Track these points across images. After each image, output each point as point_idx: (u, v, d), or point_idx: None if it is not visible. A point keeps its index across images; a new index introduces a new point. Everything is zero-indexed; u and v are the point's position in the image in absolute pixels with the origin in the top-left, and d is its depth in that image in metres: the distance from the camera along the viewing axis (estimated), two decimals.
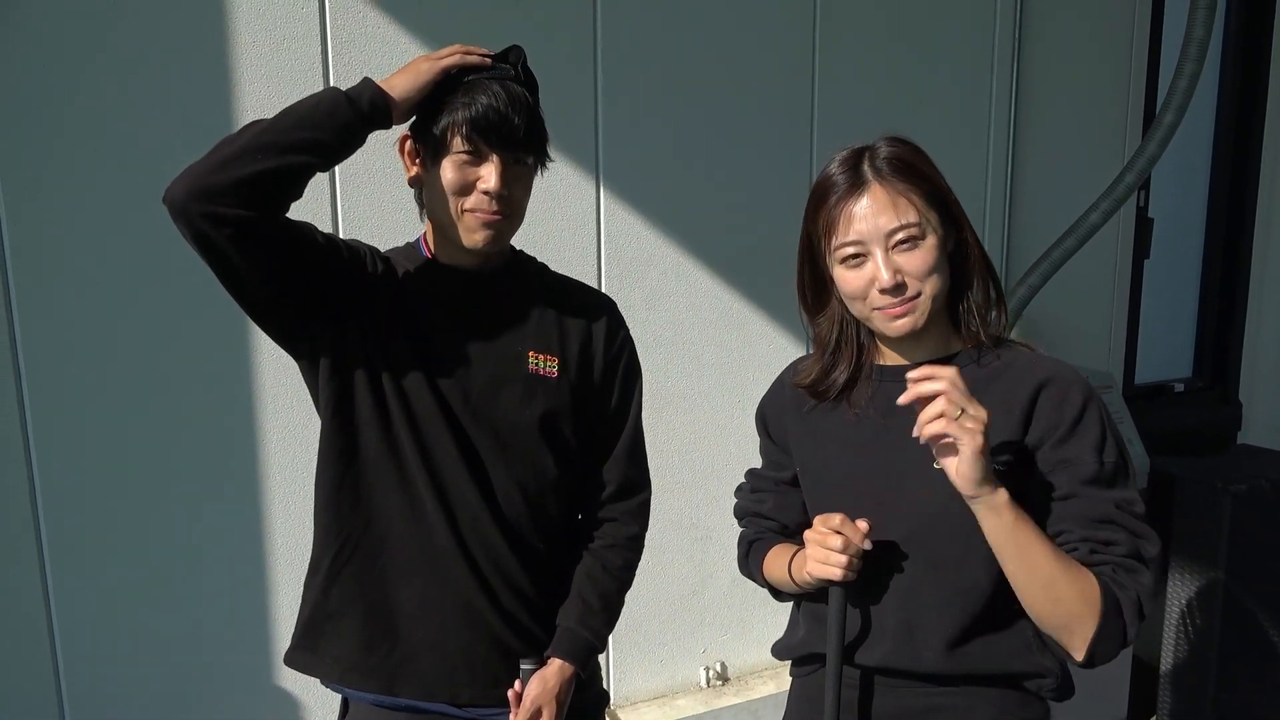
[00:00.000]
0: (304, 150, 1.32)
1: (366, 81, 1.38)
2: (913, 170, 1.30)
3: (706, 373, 2.95)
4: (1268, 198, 4.16)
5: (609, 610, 1.58)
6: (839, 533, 1.26)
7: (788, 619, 1.57)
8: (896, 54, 3.16)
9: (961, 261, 1.34)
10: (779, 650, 1.53)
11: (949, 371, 1.18)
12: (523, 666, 1.50)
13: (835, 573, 1.27)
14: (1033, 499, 1.27)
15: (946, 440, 1.18)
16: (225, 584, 2.43)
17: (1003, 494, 1.19)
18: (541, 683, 1.49)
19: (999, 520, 1.20)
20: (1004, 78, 3.38)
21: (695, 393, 2.94)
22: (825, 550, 1.27)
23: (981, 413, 1.16)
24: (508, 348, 1.48)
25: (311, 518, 1.54)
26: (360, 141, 1.38)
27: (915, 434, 1.19)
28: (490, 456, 1.47)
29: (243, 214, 1.29)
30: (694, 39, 2.83)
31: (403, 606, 1.48)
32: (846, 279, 1.32)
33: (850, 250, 1.30)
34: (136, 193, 2.23)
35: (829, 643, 1.33)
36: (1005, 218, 3.46)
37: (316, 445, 1.52)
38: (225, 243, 1.30)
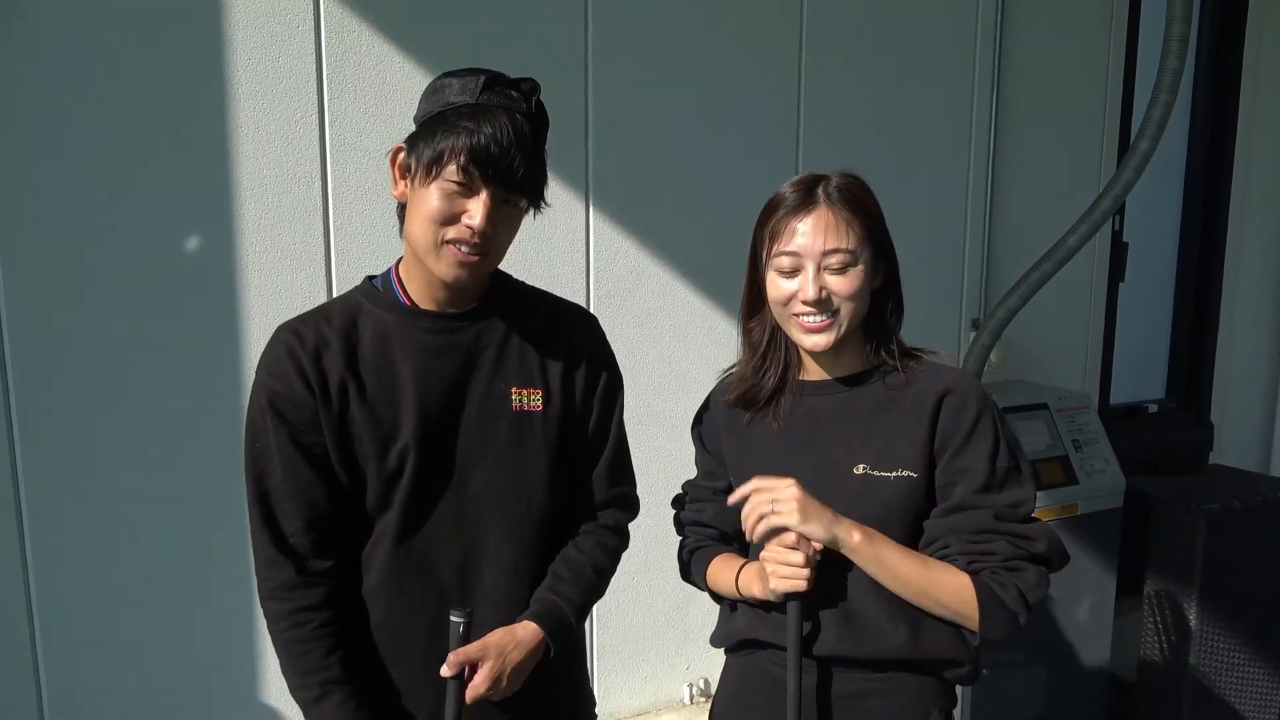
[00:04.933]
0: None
1: None
2: (859, 204, 1.42)
3: (694, 391, 2.96)
4: (1238, 223, 4.26)
5: (578, 580, 1.50)
6: (796, 548, 1.37)
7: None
8: (879, 80, 3.22)
9: (884, 294, 1.48)
10: (719, 639, 1.62)
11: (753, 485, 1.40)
12: (452, 619, 1.37)
13: (800, 585, 1.38)
14: (933, 504, 1.43)
15: (773, 528, 1.38)
16: (211, 593, 2.42)
17: (855, 537, 1.37)
18: (502, 636, 1.42)
19: (859, 558, 1.38)
20: (984, 105, 3.45)
21: (682, 411, 2.93)
22: (789, 566, 1.37)
23: (788, 497, 1.37)
24: (489, 387, 1.44)
25: None
26: None
27: (749, 538, 1.42)
28: (481, 503, 1.44)
29: None
30: (683, 60, 2.87)
31: (399, 689, 1.45)
32: (776, 285, 1.45)
33: (786, 261, 1.42)
34: (127, 197, 2.24)
35: (789, 656, 1.41)
36: (984, 241, 3.53)
37: None
38: None
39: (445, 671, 1.38)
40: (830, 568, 1.40)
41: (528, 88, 1.36)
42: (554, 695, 1.55)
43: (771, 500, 1.37)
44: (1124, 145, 3.75)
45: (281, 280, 2.40)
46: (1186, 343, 4.26)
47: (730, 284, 3.04)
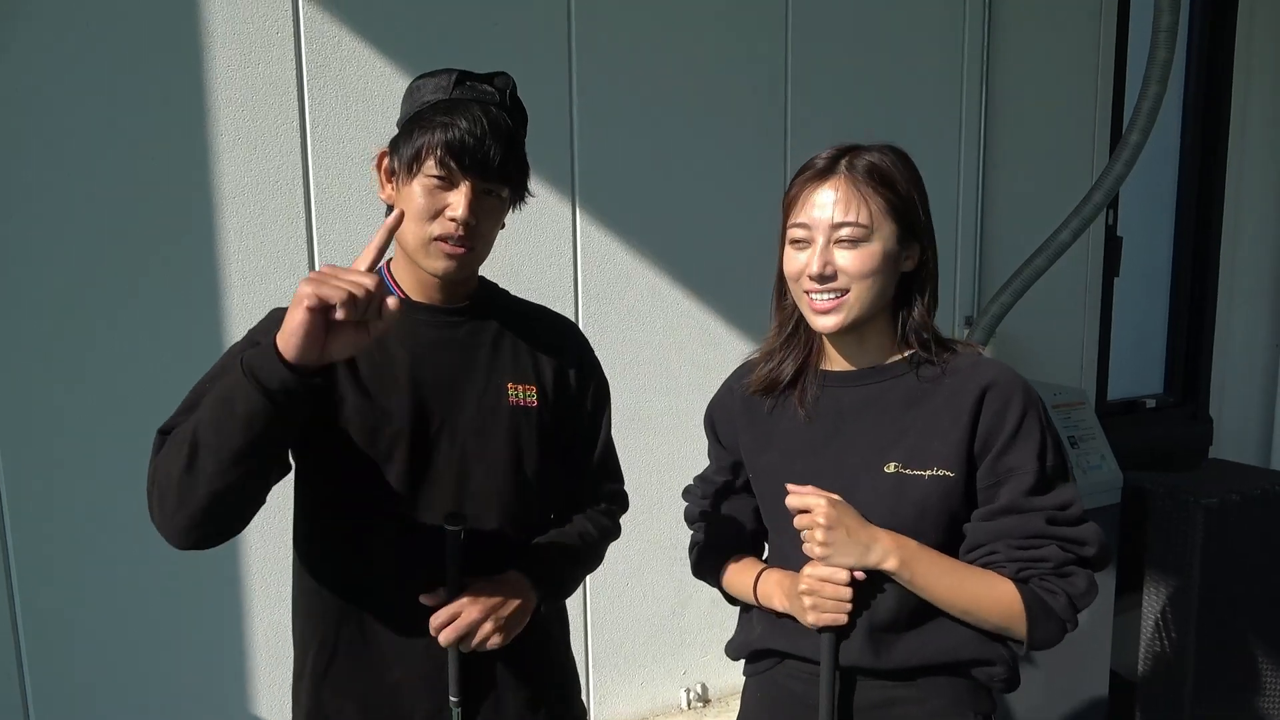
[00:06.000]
0: (241, 461, 1.17)
1: (266, 367, 1.14)
2: (884, 179, 1.33)
3: (684, 392, 2.96)
4: (1233, 215, 4.24)
5: (560, 536, 1.50)
6: (845, 583, 1.31)
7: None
8: (868, 78, 3.21)
9: (917, 279, 1.38)
10: (734, 649, 1.55)
11: (822, 504, 1.30)
12: (448, 529, 1.32)
13: (842, 619, 1.31)
14: (974, 505, 1.35)
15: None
16: (200, 600, 2.40)
17: (890, 563, 1.29)
18: (490, 588, 1.38)
19: (901, 578, 1.31)
20: (973, 99, 3.43)
21: (673, 412, 2.95)
22: (835, 601, 1.31)
23: (820, 523, 1.29)
24: (487, 382, 1.43)
25: (285, 544, 1.51)
26: (295, 411, 1.16)
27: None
28: (482, 499, 1.42)
29: (227, 530, 1.25)
30: (669, 62, 2.86)
31: (400, 687, 1.41)
32: (790, 258, 1.37)
33: (798, 232, 1.35)
34: (109, 206, 2.22)
35: (822, 686, 1.35)
36: (977, 236, 3.51)
37: (292, 461, 1.49)
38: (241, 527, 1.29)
39: (427, 599, 1.35)
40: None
41: (501, 83, 1.38)
42: (544, 710, 1.52)
43: (803, 525, 1.30)
44: (1116, 138, 3.74)
45: (265, 287, 2.38)
46: (1184, 337, 4.24)
47: (719, 284, 3.04)
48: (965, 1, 3.37)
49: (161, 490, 1.22)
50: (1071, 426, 3.04)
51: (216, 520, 1.22)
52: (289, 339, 1.13)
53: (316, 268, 2.43)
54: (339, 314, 1.11)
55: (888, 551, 1.29)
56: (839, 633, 1.34)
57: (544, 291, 2.68)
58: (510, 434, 1.43)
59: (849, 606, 1.30)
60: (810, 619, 1.33)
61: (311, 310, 1.11)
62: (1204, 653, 3.03)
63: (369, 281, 1.13)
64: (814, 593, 1.32)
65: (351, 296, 1.11)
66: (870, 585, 1.33)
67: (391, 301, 1.14)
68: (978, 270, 3.53)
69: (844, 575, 1.30)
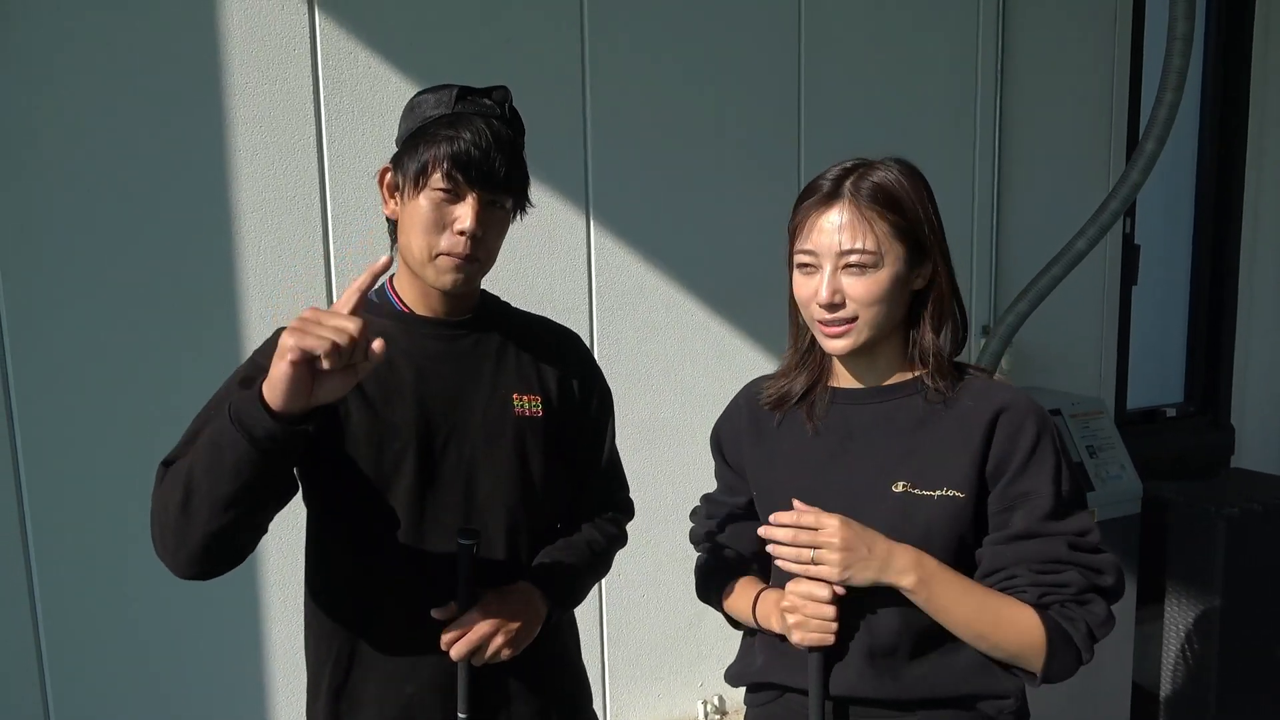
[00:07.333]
0: (233, 505, 1.17)
1: (252, 418, 1.13)
2: (890, 200, 1.30)
3: (698, 404, 2.96)
4: (1251, 222, 4.20)
5: (569, 546, 1.51)
6: (828, 600, 1.28)
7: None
8: (881, 86, 3.21)
9: (928, 298, 1.35)
10: (733, 677, 1.52)
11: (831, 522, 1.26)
12: (460, 543, 1.33)
13: (828, 639, 1.29)
14: (983, 529, 1.32)
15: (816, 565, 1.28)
16: (209, 597, 2.41)
17: (907, 581, 1.26)
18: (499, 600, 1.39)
19: (917, 597, 1.27)
20: (988, 107, 3.42)
21: (688, 424, 2.94)
22: (818, 620, 1.28)
23: (832, 543, 1.26)
24: (492, 393, 1.44)
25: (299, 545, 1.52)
26: (285, 456, 1.17)
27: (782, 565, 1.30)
28: (489, 509, 1.43)
29: (230, 563, 1.27)
30: (681, 75, 2.87)
31: (414, 700, 1.42)
32: (798, 283, 1.36)
33: (805, 259, 1.33)
34: (129, 222, 2.25)
35: (811, 707, 1.33)
36: (992, 246, 3.50)
37: (298, 480, 1.50)
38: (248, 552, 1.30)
39: (437, 613, 1.36)
40: (849, 597, 1.30)
41: (499, 96, 1.40)
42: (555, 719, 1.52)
43: (813, 543, 1.26)
44: (1132, 145, 3.72)
45: (282, 302, 2.40)
46: (1203, 344, 4.20)
47: (732, 297, 3.04)
48: (979, 10, 3.37)
49: (161, 527, 1.25)
50: (1090, 436, 3.02)
51: (215, 558, 1.25)
52: (274, 390, 1.12)
53: (333, 282, 2.45)
54: (324, 364, 1.10)
55: (906, 568, 1.25)
56: (828, 654, 1.31)
57: (558, 305, 2.69)
58: (516, 444, 1.44)
59: (834, 626, 1.27)
60: (795, 638, 1.30)
61: (295, 364, 1.10)
62: (1227, 664, 3.00)
63: (352, 327, 1.11)
64: (796, 610, 1.29)
65: (335, 346, 1.09)
66: (867, 606, 1.30)
67: (377, 345, 1.13)
68: (994, 279, 3.51)
69: (825, 593, 1.27)
